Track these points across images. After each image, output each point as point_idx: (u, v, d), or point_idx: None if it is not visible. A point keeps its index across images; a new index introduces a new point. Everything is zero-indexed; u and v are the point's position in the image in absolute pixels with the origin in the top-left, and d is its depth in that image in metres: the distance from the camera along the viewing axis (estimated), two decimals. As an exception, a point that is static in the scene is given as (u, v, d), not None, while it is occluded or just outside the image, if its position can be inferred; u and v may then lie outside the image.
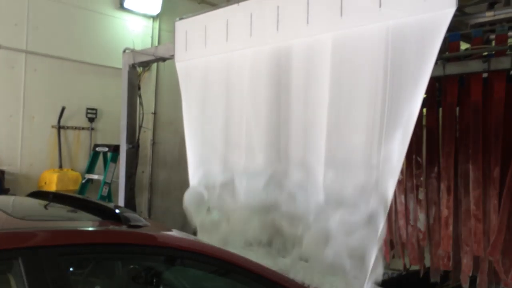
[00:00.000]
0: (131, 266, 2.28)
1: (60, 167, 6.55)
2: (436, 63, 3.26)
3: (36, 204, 2.58)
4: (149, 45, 7.29)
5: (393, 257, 4.87)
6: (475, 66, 4.01)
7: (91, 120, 6.94)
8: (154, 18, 7.69)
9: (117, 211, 2.19)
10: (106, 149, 6.69)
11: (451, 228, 4.09)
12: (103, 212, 2.23)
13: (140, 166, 6.05)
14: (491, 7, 3.69)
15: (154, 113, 7.76)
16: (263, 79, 3.77)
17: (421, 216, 4.44)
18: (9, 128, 6.19)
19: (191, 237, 2.58)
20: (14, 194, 5.64)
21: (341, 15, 3.23)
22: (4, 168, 6.03)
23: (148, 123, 7.35)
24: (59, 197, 2.74)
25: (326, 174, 3.30)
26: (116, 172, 6.35)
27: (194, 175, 4.36)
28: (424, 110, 4.44)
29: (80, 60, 6.79)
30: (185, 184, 4.44)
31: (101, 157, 6.88)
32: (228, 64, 4.06)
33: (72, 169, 6.68)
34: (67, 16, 6.67)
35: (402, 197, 4.60)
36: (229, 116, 4.08)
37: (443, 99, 4.33)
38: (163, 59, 5.17)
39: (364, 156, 3.09)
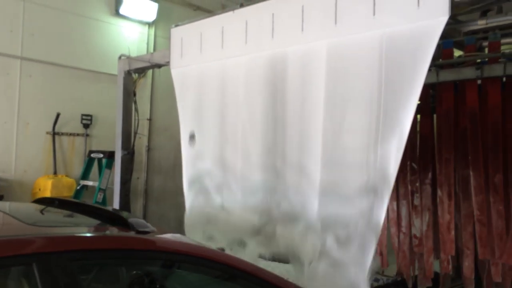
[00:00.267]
0: (141, 272, 2.30)
1: (55, 173, 6.53)
2: (429, 70, 3.30)
3: (44, 210, 2.61)
4: (144, 52, 7.31)
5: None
6: (468, 73, 4.06)
7: (86, 126, 6.93)
8: (149, 24, 7.71)
9: (125, 217, 2.23)
10: (101, 155, 6.67)
11: (453, 232, 4.11)
12: (111, 218, 2.27)
13: (135, 172, 6.04)
14: (483, 15, 3.73)
15: (150, 119, 7.76)
16: (258, 86, 3.79)
17: (417, 222, 4.46)
18: (3, 135, 6.17)
19: (197, 242, 2.60)
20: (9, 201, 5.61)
21: (336, 22, 3.26)
22: (-2, 174, 6.02)
23: (143, 129, 7.34)
24: (65, 203, 2.78)
25: (322, 179, 3.32)
26: (111, 178, 6.33)
27: (189, 182, 4.37)
28: (418, 116, 4.48)
29: (76, 67, 6.78)
30: (180, 190, 4.44)
31: (96, 164, 6.86)
32: (224, 70, 4.08)
33: (66, 176, 6.65)
34: (63, 22, 6.68)
35: (394, 203, 4.61)
36: (225, 122, 4.09)
37: (438, 106, 4.37)
38: (159, 66, 5.18)
39: (359, 162, 3.10)
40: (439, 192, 4.25)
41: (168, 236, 2.44)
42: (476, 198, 4.01)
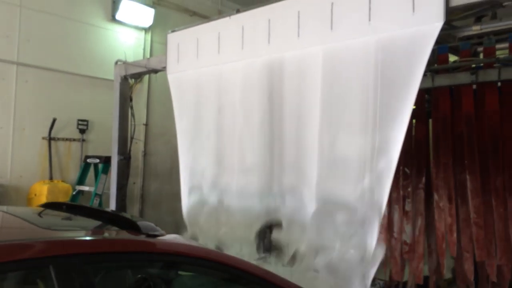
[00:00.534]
0: (154, 274, 2.33)
1: (51, 178, 6.51)
2: (425, 75, 3.32)
3: (56, 214, 2.64)
4: (141, 57, 7.32)
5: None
6: (463, 78, 4.08)
7: (82, 131, 6.91)
8: (146, 30, 7.71)
9: (135, 221, 2.25)
10: (97, 160, 6.65)
11: (455, 234, 4.12)
12: (121, 222, 2.30)
13: (131, 178, 6.04)
14: (478, 20, 3.76)
15: (146, 125, 7.75)
16: (254, 91, 3.80)
17: (407, 228, 4.44)
18: (-1, 140, 6.16)
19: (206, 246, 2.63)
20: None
21: (332, 28, 3.28)
22: (-7, 180, 6.00)
23: (139, 134, 7.34)
24: (72, 207, 2.83)
25: (319, 182, 3.33)
26: (107, 183, 6.32)
27: (186, 187, 4.37)
28: (414, 121, 4.49)
29: (72, 72, 6.77)
30: (176, 195, 4.44)
31: (92, 169, 6.85)
32: (220, 76, 4.09)
33: (62, 181, 6.63)
34: (59, 28, 6.67)
35: (386, 209, 4.59)
36: (222, 127, 4.09)
37: (434, 110, 4.38)
38: (155, 71, 5.19)
39: (357, 166, 3.12)
40: (435, 197, 4.25)
41: (179, 239, 2.47)
42: (472, 201, 4.03)
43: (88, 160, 6.77)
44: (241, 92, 3.92)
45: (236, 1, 8.02)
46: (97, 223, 2.45)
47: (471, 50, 4.25)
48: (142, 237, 2.12)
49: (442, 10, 2.74)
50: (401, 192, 4.51)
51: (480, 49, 4.25)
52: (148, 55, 7.55)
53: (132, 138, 5.60)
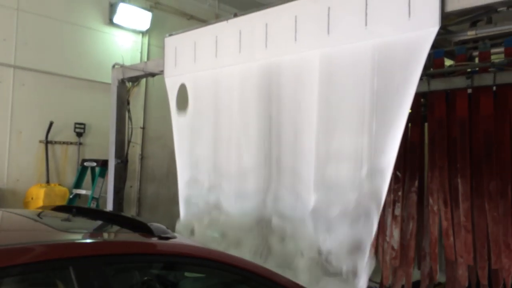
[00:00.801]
0: (169, 274, 2.37)
1: (48, 182, 6.50)
2: (421, 79, 3.34)
3: (70, 217, 2.67)
4: (138, 60, 7.32)
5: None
6: (459, 82, 4.11)
7: (79, 135, 6.91)
8: (143, 33, 7.73)
9: (148, 223, 2.27)
10: (94, 164, 6.65)
11: (452, 238, 4.14)
12: (133, 225, 2.32)
13: (128, 181, 6.03)
14: (473, 25, 3.79)
15: (143, 128, 7.76)
16: (252, 95, 3.82)
17: (396, 233, 4.44)
18: (-4, 143, 6.15)
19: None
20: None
21: (328, 33, 3.30)
22: (-10, 183, 5.99)
23: (136, 137, 7.33)
24: (83, 210, 2.86)
25: (315, 185, 3.34)
26: (104, 187, 6.31)
27: (184, 190, 4.38)
28: (409, 125, 4.51)
29: (69, 75, 6.78)
30: (173, 198, 4.45)
31: (89, 172, 6.84)
32: (217, 79, 4.10)
33: (59, 184, 6.62)
34: (56, 31, 6.68)
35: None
36: (219, 131, 4.11)
37: (429, 114, 4.41)
38: (153, 75, 5.20)
39: (353, 169, 3.14)
40: (430, 200, 4.27)
41: (190, 241, 2.49)
42: (462, 205, 4.05)
43: (85, 164, 6.76)
44: (238, 95, 3.93)
45: (234, 5, 8.05)
46: (109, 225, 2.49)
47: (467, 54, 4.28)
48: (155, 239, 2.14)
49: (438, 15, 2.77)
50: (391, 196, 4.50)
51: (476, 53, 4.28)
52: (145, 59, 7.57)
53: (129, 141, 5.60)
